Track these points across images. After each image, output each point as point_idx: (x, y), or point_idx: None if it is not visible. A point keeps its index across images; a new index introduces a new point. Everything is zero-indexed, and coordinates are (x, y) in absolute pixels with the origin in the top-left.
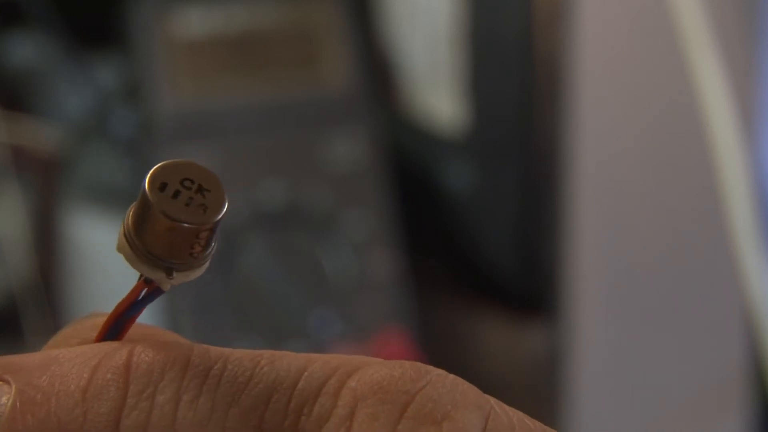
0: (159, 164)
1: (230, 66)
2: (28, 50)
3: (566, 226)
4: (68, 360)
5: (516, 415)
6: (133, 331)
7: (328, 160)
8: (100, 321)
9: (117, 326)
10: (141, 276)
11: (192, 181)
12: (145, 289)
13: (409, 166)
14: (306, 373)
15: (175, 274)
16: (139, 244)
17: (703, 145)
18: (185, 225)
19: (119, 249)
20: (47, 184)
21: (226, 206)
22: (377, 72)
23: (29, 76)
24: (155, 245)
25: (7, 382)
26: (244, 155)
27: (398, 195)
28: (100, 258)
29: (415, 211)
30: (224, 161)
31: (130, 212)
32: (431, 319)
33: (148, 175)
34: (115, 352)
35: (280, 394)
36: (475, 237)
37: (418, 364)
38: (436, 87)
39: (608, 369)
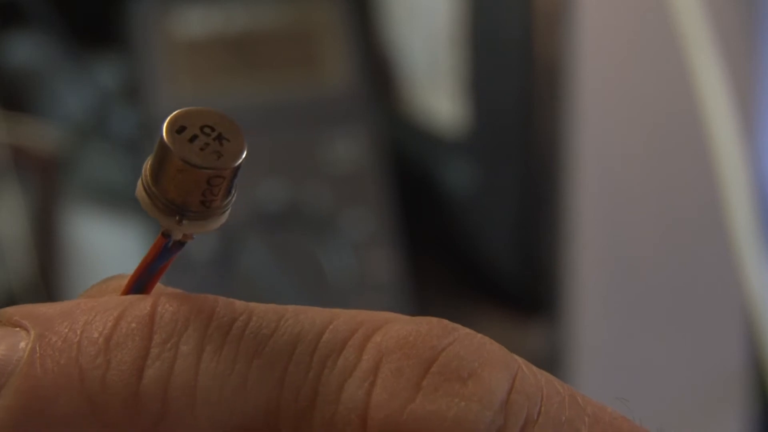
0: (182, 109)
1: (230, 66)
2: (28, 50)
3: (566, 226)
4: (90, 309)
5: (544, 377)
6: (156, 291)
7: (328, 160)
8: (124, 283)
9: (141, 283)
10: (161, 230)
11: (212, 129)
12: (166, 243)
13: (409, 166)
14: (331, 326)
15: (185, 222)
16: (153, 188)
17: (703, 145)
18: (195, 168)
19: (137, 194)
20: (47, 184)
21: (243, 157)
22: (377, 72)
23: (29, 76)
24: (167, 189)
25: (26, 329)
26: None
27: (398, 195)
28: (100, 258)
29: (415, 211)
30: None
31: (150, 157)
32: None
33: (168, 117)
34: (139, 301)
35: (304, 346)
36: (475, 237)
37: (445, 321)
38: (436, 87)
39: (608, 369)
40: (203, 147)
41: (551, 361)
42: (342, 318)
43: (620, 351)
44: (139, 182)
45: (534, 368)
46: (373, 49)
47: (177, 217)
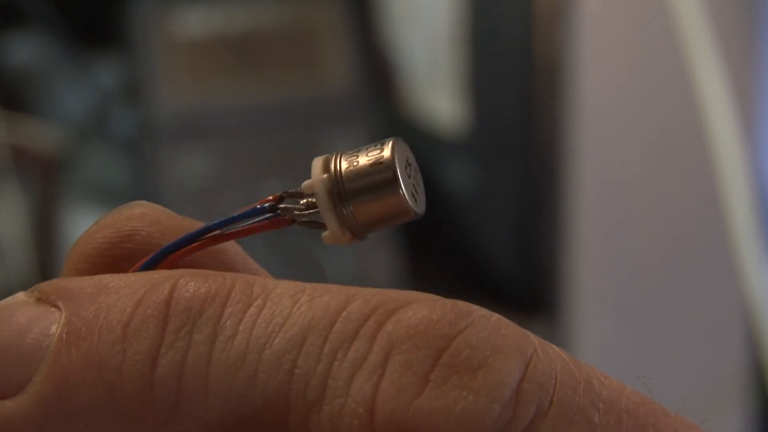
0: (395, 150)
1: (230, 66)
2: (28, 50)
3: (566, 226)
4: (116, 290)
5: (560, 360)
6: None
7: None
8: (139, 212)
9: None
10: (260, 207)
11: (409, 164)
12: (270, 212)
13: None
14: (344, 313)
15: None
16: (352, 210)
17: (703, 145)
18: (414, 215)
19: (319, 194)
20: (47, 184)
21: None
22: (377, 72)
23: (29, 76)
24: (370, 222)
25: (59, 309)
26: (244, 155)
27: None
28: None
29: None
30: (224, 161)
31: (347, 166)
32: None
33: (395, 158)
34: (160, 284)
35: (315, 337)
36: (475, 237)
37: (461, 303)
38: (436, 87)
39: (608, 369)
40: (414, 191)
41: None
42: (357, 302)
43: (620, 351)
44: (326, 185)
45: (551, 350)
46: (373, 49)
47: (349, 236)
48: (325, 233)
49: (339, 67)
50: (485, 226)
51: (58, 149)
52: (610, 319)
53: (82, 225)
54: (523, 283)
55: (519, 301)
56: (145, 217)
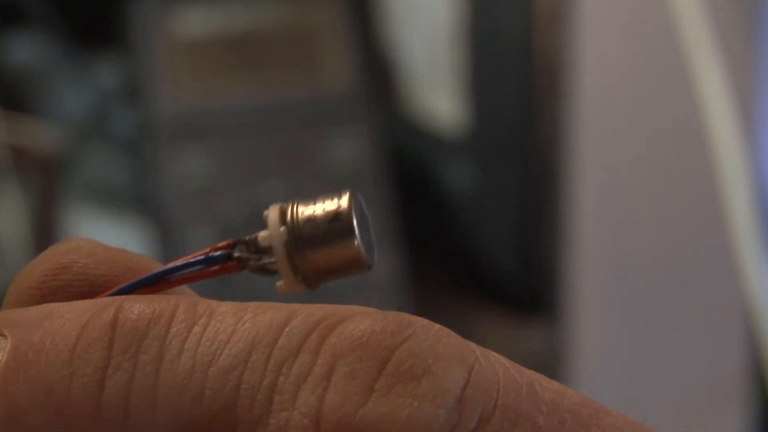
0: (352, 202)
1: (230, 66)
2: (28, 50)
3: (566, 226)
4: (62, 315)
5: (502, 366)
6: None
7: (328, 160)
8: (75, 245)
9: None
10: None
11: (363, 216)
12: (216, 264)
13: (409, 166)
14: (287, 329)
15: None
16: (307, 258)
17: (703, 145)
18: (367, 268)
19: (276, 240)
20: (47, 184)
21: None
22: (377, 72)
23: (29, 76)
24: (323, 271)
25: (5, 337)
26: (244, 155)
27: (398, 195)
28: None
29: (415, 211)
30: (224, 161)
31: (301, 216)
32: (431, 319)
33: (352, 213)
34: (105, 308)
35: (259, 353)
36: (475, 237)
37: (402, 315)
38: (436, 87)
39: (608, 369)
40: (368, 244)
41: (551, 362)
42: (299, 317)
43: (620, 351)
44: (284, 237)
45: (492, 357)
46: (373, 49)
47: (303, 285)
48: (279, 283)
49: (339, 67)
50: (485, 226)
51: (58, 149)
52: (610, 320)
53: (82, 225)
54: (523, 283)
55: (519, 301)
56: (82, 250)
